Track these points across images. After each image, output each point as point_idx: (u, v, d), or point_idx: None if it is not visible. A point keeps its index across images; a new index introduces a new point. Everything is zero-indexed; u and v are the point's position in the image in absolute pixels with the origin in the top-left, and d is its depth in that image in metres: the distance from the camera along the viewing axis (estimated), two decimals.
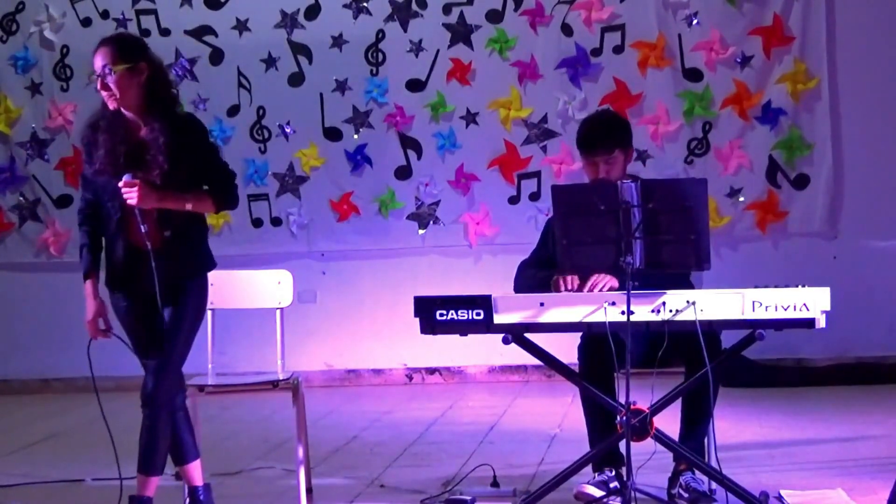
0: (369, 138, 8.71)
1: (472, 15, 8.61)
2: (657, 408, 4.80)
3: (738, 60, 8.40)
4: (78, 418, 7.66)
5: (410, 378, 8.81)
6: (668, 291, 4.66)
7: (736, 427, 6.51)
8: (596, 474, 5.08)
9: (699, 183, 4.82)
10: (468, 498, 5.12)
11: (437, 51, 8.64)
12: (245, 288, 5.74)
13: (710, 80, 8.44)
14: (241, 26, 8.75)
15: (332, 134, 8.74)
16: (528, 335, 4.85)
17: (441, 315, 4.81)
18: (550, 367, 5.03)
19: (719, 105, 8.44)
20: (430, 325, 4.84)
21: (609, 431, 4.89)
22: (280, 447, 6.50)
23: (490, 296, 4.80)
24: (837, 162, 8.41)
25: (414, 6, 8.65)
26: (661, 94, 8.47)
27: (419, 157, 8.70)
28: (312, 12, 8.73)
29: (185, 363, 4.81)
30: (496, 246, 8.61)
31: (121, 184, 4.64)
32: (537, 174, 8.59)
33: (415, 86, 8.67)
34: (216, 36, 8.77)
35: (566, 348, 5.13)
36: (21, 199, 8.91)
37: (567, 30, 8.54)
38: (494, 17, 8.60)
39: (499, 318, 4.79)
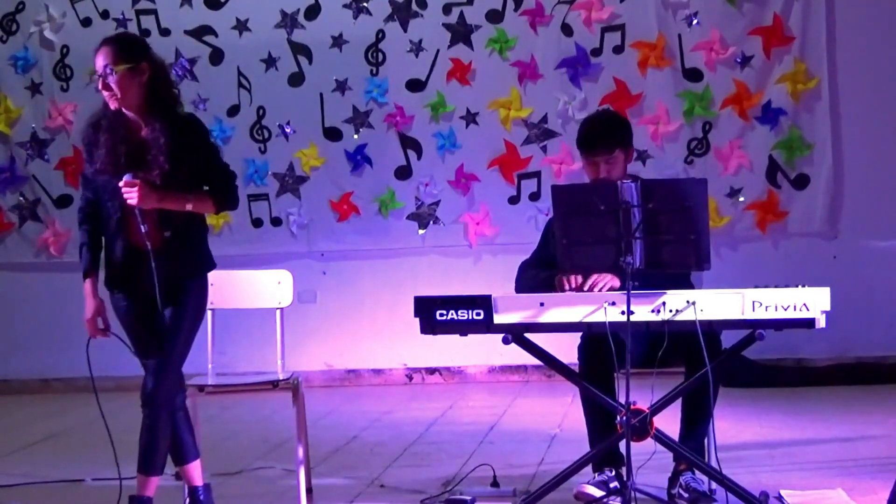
0: (369, 138, 8.71)
1: (472, 15, 8.61)
2: (657, 408, 4.80)
3: (738, 60, 8.40)
4: (78, 418, 7.66)
5: (410, 378, 8.81)
6: (668, 291, 4.66)
7: (736, 427, 6.51)
8: (596, 474, 5.08)
9: (699, 183, 4.83)
10: (468, 498, 5.12)
11: (437, 51, 8.64)
12: (245, 288, 5.74)
13: (710, 80, 8.44)
14: (241, 26, 8.74)
15: (332, 134, 8.74)
16: (528, 335, 4.86)
17: (441, 315, 4.82)
18: (550, 367, 5.03)
19: (719, 105, 8.44)
20: (430, 325, 4.84)
21: (609, 431, 4.89)
22: (280, 447, 6.50)
23: (490, 296, 4.80)
24: (837, 162, 8.41)
25: (414, 6, 8.65)
26: (661, 94, 8.47)
27: (419, 157, 8.70)
28: (312, 12, 8.73)
29: (185, 363, 4.82)
30: (496, 246, 8.61)
31: (121, 184, 4.65)
32: (537, 174, 8.59)
33: (415, 86, 8.67)
34: (216, 36, 8.77)
35: (566, 348, 5.13)
36: (21, 199, 8.91)
37: (567, 30, 8.54)
38: (494, 17, 8.60)
39: (499, 318, 4.79)
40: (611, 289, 4.87)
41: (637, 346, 4.75)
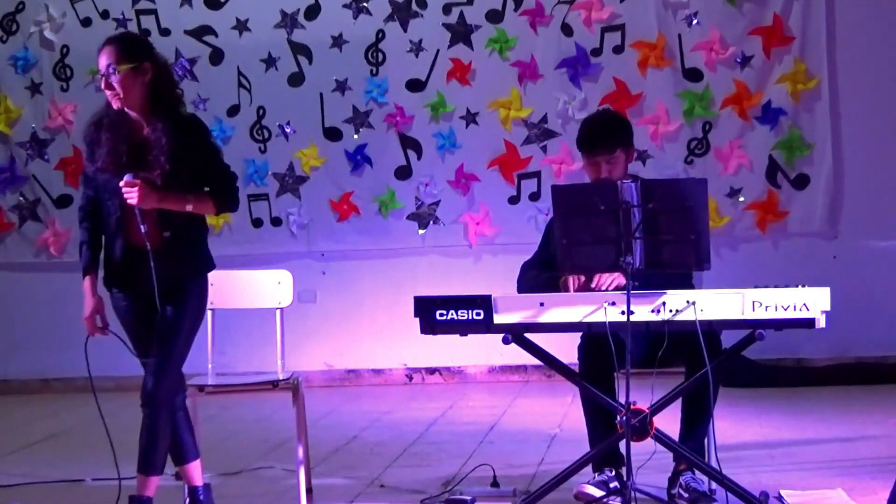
0: (369, 138, 8.71)
1: (472, 15, 8.61)
2: (657, 408, 4.80)
3: (738, 60, 8.40)
4: (78, 418, 7.66)
5: (410, 378, 8.81)
6: (668, 291, 4.66)
7: (736, 427, 6.51)
8: (596, 474, 5.08)
9: (699, 183, 4.82)
10: (468, 498, 5.12)
11: (437, 51, 8.64)
12: (245, 288, 5.74)
13: (710, 80, 8.44)
14: (241, 26, 8.74)
15: (332, 134, 8.74)
16: (528, 335, 4.86)
17: (441, 315, 4.82)
18: (550, 367, 5.03)
19: (719, 105, 8.44)
20: (430, 325, 4.84)
21: (609, 431, 4.89)
22: (280, 447, 6.50)
23: (490, 296, 4.80)
24: (837, 162, 8.41)
25: (414, 6, 8.64)
26: (661, 94, 8.47)
27: (419, 157, 8.69)
28: (312, 12, 8.73)
29: (185, 363, 4.81)
30: (496, 246, 8.61)
31: (122, 183, 4.65)
32: (537, 174, 8.59)
33: (415, 86, 8.67)
34: (216, 36, 8.77)
35: (566, 348, 5.13)
36: (21, 199, 8.91)
37: (567, 30, 8.54)
38: (494, 17, 8.60)
39: (499, 318, 4.79)
40: (618, 286, 4.87)
41: (637, 346, 4.75)
